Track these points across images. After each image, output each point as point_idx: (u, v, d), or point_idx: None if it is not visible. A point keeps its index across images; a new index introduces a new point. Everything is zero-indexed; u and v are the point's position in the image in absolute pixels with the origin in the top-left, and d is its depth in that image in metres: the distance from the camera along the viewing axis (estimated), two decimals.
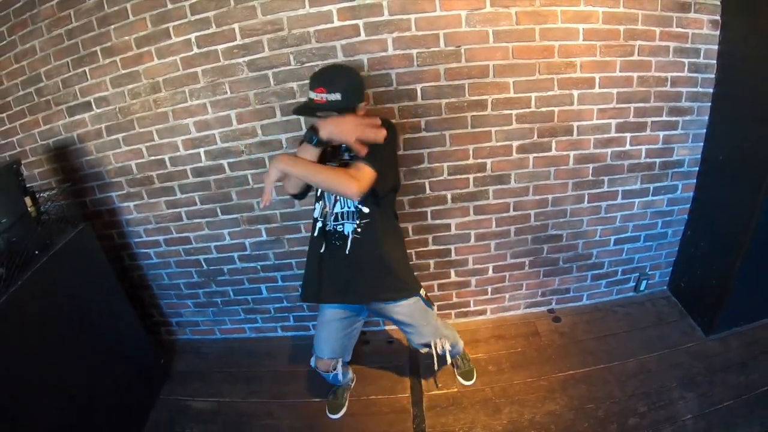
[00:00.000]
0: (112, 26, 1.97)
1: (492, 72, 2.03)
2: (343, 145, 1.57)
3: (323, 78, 1.48)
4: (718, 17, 2.09)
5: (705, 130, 2.33)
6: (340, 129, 1.45)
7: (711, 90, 2.23)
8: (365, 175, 1.46)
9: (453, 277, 2.50)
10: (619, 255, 2.59)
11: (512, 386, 2.26)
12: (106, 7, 1.93)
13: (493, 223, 2.37)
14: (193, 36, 1.96)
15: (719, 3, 2.06)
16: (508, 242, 2.43)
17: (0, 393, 1.52)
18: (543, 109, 2.13)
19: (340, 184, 1.44)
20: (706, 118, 2.29)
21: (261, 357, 2.56)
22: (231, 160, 2.18)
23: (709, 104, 2.27)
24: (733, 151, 2.23)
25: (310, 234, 1.74)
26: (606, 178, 2.34)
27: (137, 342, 2.31)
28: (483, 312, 2.65)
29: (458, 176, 2.23)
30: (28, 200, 1.80)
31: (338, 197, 1.63)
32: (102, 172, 2.26)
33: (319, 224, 1.68)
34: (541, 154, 2.22)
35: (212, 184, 2.25)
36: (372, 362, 2.45)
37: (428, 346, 1.95)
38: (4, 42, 2.05)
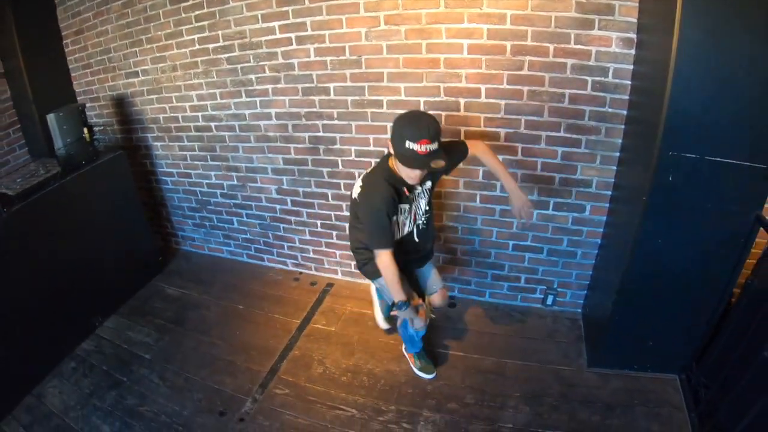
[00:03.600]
0: (152, 23, 3.08)
1: (386, 78, 2.64)
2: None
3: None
4: (632, 35, 2.17)
5: (618, 154, 2.44)
6: None
7: (624, 112, 2.34)
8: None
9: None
10: (520, 262, 2.92)
11: (374, 341, 2.86)
12: (148, 11, 3.04)
13: None
14: (196, 36, 2.98)
15: (635, 20, 2.14)
16: None
17: (43, 250, 2.72)
18: (431, 112, 2.54)
19: None
20: (620, 141, 2.41)
21: (224, 272, 3.62)
22: (216, 123, 3.20)
23: (623, 127, 2.37)
24: (630, 179, 2.31)
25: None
26: (498, 183, 2.69)
27: (143, 242, 3.53)
28: None
29: (363, 159, 2.91)
30: (86, 130, 2.98)
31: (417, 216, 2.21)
32: (143, 119, 3.47)
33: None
34: None
35: (205, 138, 3.31)
36: (293, 293, 3.30)
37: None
38: (90, 23, 3.29)
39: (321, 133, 2.93)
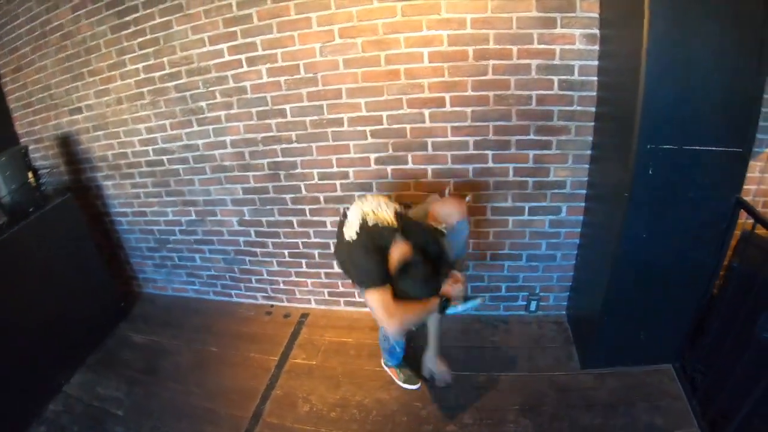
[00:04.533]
0: (93, 55, 2.91)
1: (345, 94, 2.56)
2: None
3: None
4: (595, 31, 2.18)
5: (590, 152, 2.44)
6: None
7: (593, 109, 2.33)
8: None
9: (336, 268, 2.97)
10: (500, 271, 2.87)
11: (360, 370, 2.73)
12: (88, 41, 2.88)
13: None
14: (140, 65, 2.84)
15: (597, 16, 2.15)
16: None
17: None
18: (395, 126, 2.57)
19: None
20: (590, 138, 2.40)
21: (192, 313, 3.44)
22: (168, 156, 3.05)
23: (592, 124, 2.37)
24: (606, 176, 2.30)
25: None
26: (470, 194, 2.64)
27: (103, 288, 3.32)
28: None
29: (326, 181, 2.81)
30: (30, 174, 2.80)
31: None
32: (91, 158, 3.28)
33: None
34: (398, 167, 2.67)
35: (158, 173, 3.15)
36: (268, 328, 3.16)
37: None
38: (29, 59, 3.11)
39: (280, 158, 2.81)
